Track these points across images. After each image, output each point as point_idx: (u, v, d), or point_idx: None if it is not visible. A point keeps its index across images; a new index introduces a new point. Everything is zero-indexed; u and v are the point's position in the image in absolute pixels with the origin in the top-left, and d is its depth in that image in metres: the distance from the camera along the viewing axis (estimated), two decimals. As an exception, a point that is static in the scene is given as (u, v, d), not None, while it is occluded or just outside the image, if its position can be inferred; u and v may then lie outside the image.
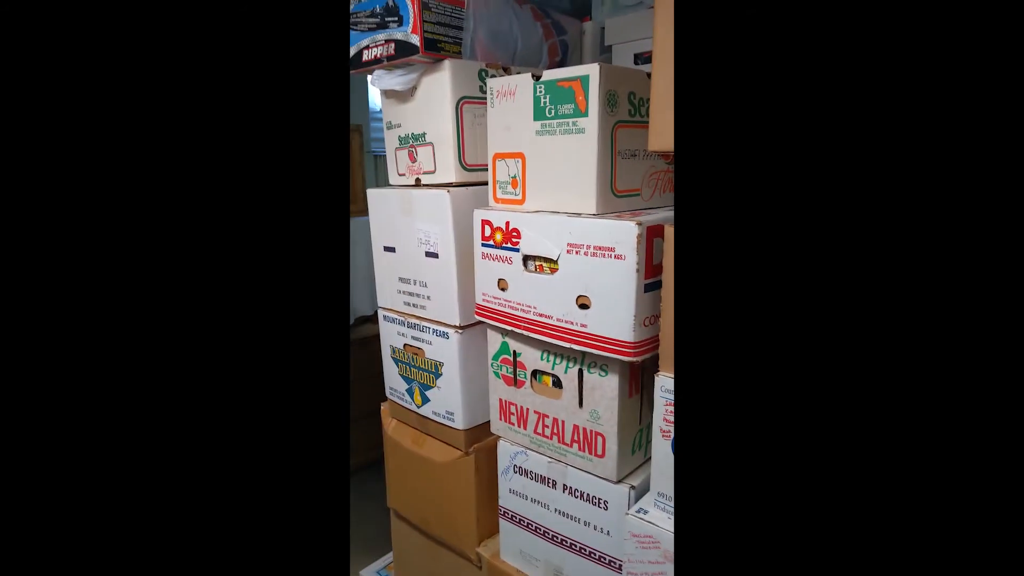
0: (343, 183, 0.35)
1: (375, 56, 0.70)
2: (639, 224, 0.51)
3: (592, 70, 0.53)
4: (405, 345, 0.82)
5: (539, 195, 0.62)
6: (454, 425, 0.78)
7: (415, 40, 0.65)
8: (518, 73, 0.62)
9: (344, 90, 0.35)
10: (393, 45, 0.67)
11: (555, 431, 0.66)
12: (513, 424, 0.71)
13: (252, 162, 0.32)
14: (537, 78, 0.58)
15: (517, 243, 0.62)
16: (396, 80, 0.71)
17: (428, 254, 0.74)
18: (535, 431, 0.68)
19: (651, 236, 0.52)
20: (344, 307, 0.36)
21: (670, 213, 0.57)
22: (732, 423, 0.32)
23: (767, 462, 0.31)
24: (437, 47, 0.67)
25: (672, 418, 0.52)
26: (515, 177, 0.64)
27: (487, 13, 0.71)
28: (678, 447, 0.34)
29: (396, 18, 0.66)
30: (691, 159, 0.33)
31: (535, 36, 0.77)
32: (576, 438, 0.64)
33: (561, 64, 0.84)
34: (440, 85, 0.69)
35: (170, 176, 0.31)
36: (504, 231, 0.63)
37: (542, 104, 0.58)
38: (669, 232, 0.49)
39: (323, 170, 0.33)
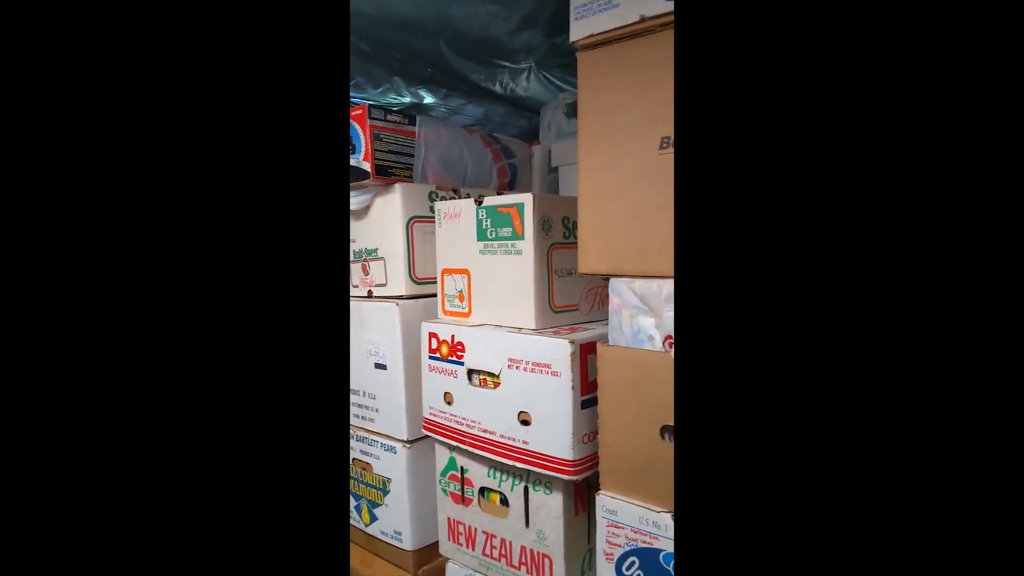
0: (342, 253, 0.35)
1: (331, 179, 0.75)
2: (572, 342, 0.53)
3: (526, 199, 0.58)
4: (354, 459, 0.80)
5: (484, 309, 0.64)
6: (402, 546, 0.74)
7: (367, 166, 0.70)
8: (467, 196, 0.66)
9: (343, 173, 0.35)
10: (347, 170, 0.72)
11: (503, 552, 0.63)
12: (461, 545, 0.68)
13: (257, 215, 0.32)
14: (479, 203, 0.62)
15: (462, 356, 0.63)
16: (351, 201, 0.75)
17: (377, 365, 0.74)
18: (483, 552, 0.65)
19: (585, 353, 0.54)
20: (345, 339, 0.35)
21: (605, 329, 0.59)
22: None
23: None
24: (388, 172, 0.71)
25: (615, 540, 0.51)
26: (461, 291, 0.66)
27: (438, 141, 0.77)
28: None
29: (350, 146, 0.71)
30: (690, 287, 0.32)
31: (484, 160, 0.84)
32: (524, 560, 0.61)
33: (511, 184, 0.90)
34: (392, 206, 0.73)
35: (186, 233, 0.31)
36: (450, 344, 0.65)
37: (484, 226, 0.62)
38: (602, 349, 0.51)
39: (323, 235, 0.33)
